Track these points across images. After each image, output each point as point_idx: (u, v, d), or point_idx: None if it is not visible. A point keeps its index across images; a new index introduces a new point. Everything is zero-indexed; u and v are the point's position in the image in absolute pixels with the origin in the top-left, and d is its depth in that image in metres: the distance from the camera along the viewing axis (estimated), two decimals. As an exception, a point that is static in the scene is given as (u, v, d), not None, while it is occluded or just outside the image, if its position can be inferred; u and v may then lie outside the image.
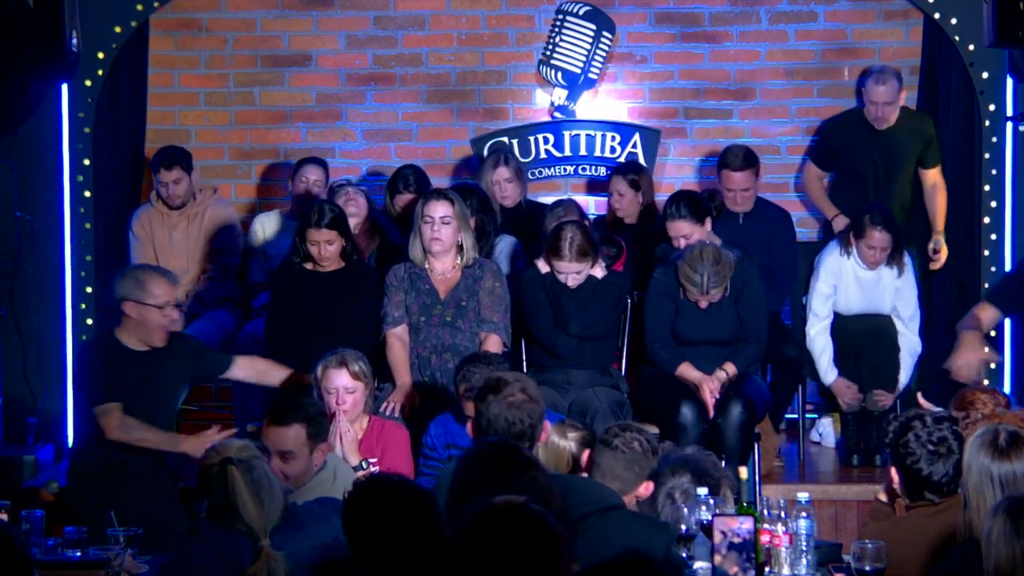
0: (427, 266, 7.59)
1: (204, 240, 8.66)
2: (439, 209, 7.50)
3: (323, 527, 4.71)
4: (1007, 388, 8.55)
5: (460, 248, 7.58)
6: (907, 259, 8.27)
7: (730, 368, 7.56)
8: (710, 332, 7.61)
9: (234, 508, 4.59)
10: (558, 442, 5.76)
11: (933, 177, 8.77)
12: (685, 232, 7.87)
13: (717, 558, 5.03)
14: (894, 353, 8.11)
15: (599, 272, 7.63)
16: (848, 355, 8.16)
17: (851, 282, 8.24)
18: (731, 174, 8.44)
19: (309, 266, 7.60)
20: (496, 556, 3.39)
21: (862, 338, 8.14)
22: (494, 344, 7.46)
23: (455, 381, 6.61)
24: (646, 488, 5.37)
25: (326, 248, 7.50)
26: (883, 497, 5.28)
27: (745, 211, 8.49)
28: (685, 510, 5.43)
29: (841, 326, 8.22)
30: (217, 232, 8.68)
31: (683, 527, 5.38)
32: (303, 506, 4.91)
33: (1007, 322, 8.54)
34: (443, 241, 7.50)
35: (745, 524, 5.01)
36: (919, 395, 6.49)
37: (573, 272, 7.53)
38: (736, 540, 4.98)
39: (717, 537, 5.02)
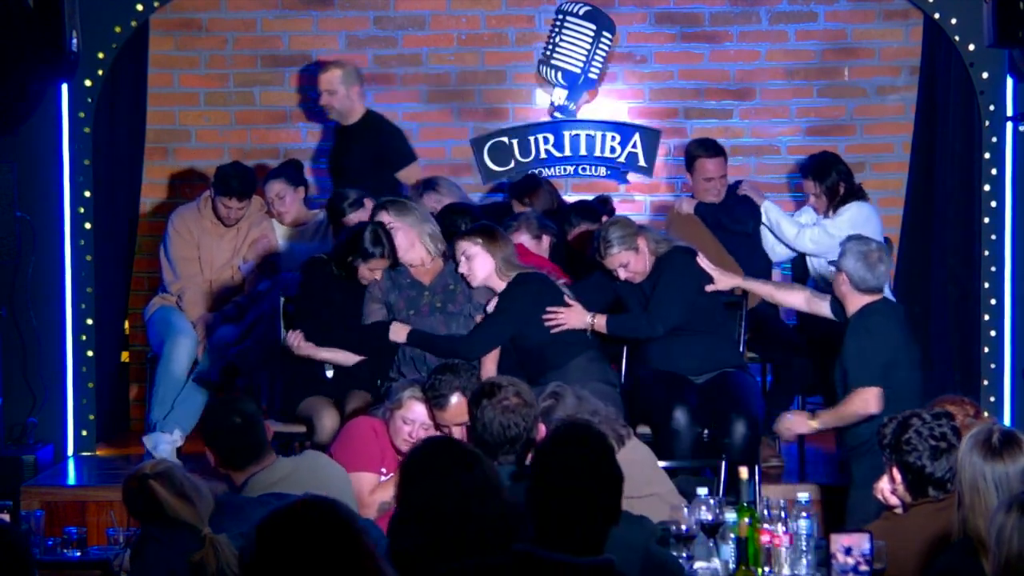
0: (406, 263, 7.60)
1: (245, 252, 8.65)
2: (383, 218, 7.53)
3: (263, 512, 4.79)
4: (1007, 393, 8.54)
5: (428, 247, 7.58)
6: (852, 206, 8.27)
7: (599, 320, 7.48)
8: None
9: (167, 514, 4.72)
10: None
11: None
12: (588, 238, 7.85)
13: None
14: None
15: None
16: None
17: (809, 220, 8.42)
18: (706, 162, 8.47)
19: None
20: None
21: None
22: None
23: (423, 390, 6.50)
24: None
25: (379, 273, 7.49)
26: (885, 497, 5.27)
27: (719, 200, 8.51)
28: (685, 510, 5.45)
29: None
30: (264, 247, 8.67)
31: (683, 527, 5.39)
32: (235, 496, 5.04)
33: (1007, 327, 8.53)
34: (398, 246, 7.51)
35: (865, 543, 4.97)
36: None
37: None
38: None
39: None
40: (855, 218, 8.15)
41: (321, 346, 7.45)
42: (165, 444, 8.13)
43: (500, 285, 7.45)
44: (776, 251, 8.55)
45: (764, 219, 8.46)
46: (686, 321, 7.52)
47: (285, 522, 3.37)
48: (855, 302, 7.05)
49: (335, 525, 3.35)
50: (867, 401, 6.87)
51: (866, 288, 7.01)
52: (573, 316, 7.47)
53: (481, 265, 7.41)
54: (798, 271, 8.64)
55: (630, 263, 7.47)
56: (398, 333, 7.42)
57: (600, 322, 7.48)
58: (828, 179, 8.28)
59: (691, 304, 7.52)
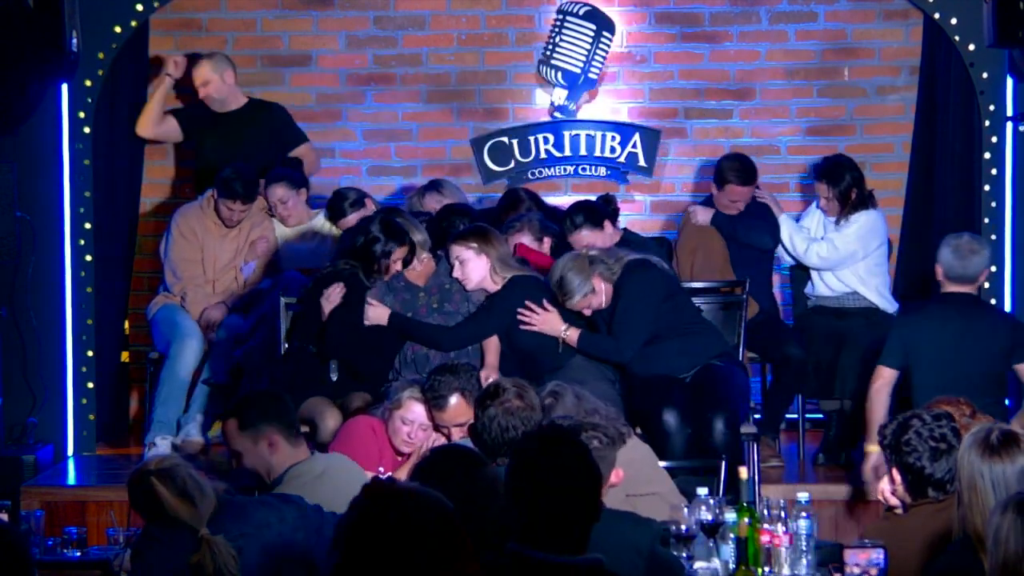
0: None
1: (246, 253, 8.65)
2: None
3: (265, 512, 4.86)
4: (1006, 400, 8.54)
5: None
6: (861, 216, 8.28)
7: (571, 333, 7.44)
8: None
9: (167, 513, 4.73)
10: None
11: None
12: (587, 242, 7.75)
13: None
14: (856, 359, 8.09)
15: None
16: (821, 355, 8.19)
17: (816, 221, 8.47)
18: (736, 188, 8.41)
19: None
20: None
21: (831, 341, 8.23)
22: None
23: (423, 391, 6.53)
24: (616, 476, 5.36)
25: (400, 264, 7.48)
26: (885, 497, 5.28)
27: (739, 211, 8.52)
28: (685, 510, 5.45)
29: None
30: (265, 248, 8.66)
31: (683, 527, 5.39)
32: (236, 496, 5.04)
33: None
34: None
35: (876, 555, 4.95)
36: None
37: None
38: None
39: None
40: (862, 229, 8.20)
41: (329, 351, 7.46)
42: (166, 444, 8.14)
43: (495, 287, 7.45)
44: (785, 259, 8.61)
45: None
46: (656, 330, 7.46)
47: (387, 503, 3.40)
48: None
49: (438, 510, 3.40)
50: (874, 380, 7.26)
51: (954, 276, 7.38)
52: (547, 321, 7.43)
53: (474, 268, 7.40)
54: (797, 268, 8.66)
55: (592, 303, 7.44)
56: (378, 316, 7.41)
57: (572, 336, 7.43)
58: (841, 183, 8.28)
59: (655, 315, 7.45)
